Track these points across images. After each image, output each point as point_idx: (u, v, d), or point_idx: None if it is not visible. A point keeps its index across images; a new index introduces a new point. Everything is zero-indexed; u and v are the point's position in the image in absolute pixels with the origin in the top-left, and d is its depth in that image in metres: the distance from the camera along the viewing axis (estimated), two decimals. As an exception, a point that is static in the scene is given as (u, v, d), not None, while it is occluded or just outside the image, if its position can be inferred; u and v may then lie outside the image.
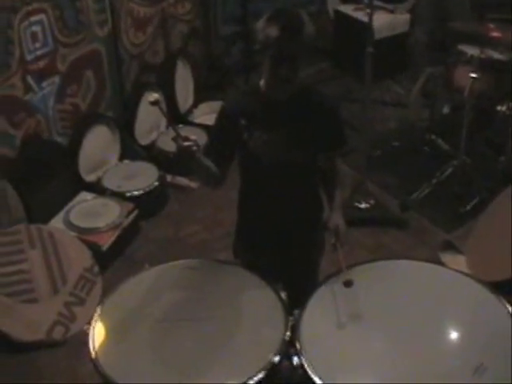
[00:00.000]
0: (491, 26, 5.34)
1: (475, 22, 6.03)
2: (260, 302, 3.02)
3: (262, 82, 3.10)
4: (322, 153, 3.24)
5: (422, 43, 7.45)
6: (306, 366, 2.69)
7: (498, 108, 5.56)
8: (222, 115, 3.21)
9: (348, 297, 2.98)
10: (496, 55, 5.36)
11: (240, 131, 3.09)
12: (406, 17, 7.46)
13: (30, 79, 5.00)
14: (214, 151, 3.16)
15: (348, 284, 2.97)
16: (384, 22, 7.08)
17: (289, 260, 3.35)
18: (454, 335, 2.90)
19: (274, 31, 2.85)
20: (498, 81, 5.44)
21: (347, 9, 7.51)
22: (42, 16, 4.99)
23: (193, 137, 2.85)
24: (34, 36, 4.95)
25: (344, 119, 3.34)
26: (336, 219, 3.22)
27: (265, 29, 2.90)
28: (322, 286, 3.08)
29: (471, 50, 5.36)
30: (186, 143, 2.81)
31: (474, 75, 5.08)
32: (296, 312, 2.92)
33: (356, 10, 7.35)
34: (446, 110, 6.04)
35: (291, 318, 2.89)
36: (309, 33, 2.90)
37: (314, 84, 3.17)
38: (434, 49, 7.16)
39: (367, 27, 5.04)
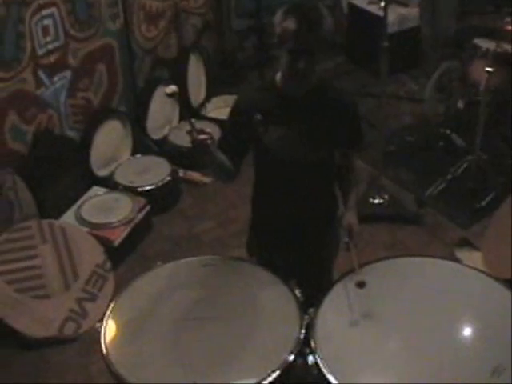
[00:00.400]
0: (507, 19, 5.27)
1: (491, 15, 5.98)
2: (275, 300, 2.99)
3: (278, 77, 3.06)
4: (338, 150, 3.20)
5: (436, 37, 7.39)
6: (320, 364, 2.67)
7: (513, 103, 5.50)
8: (236, 110, 3.18)
9: (363, 295, 2.94)
10: (512, 49, 5.30)
11: (255, 126, 3.05)
12: (421, 10, 7.39)
13: (41, 74, 4.97)
14: (228, 146, 3.13)
15: (361, 285, 2.93)
16: (398, 16, 7.02)
17: (303, 257, 3.32)
18: (470, 335, 2.87)
19: (291, 24, 2.81)
20: (513, 75, 5.39)
21: (361, 2, 7.44)
22: (53, 10, 4.97)
23: (208, 130, 2.82)
24: (45, 30, 4.93)
25: (361, 116, 3.29)
26: (349, 218, 3.18)
27: (282, 22, 2.86)
28: (337, 284, 3.05)
29: (487, 44, 5.30)
30: (201, 136, 2.78)
31: (489, 69, 5.01)
32: (311, 311, 2.89)
33: (370, 3, 7.28)
34: (460, 104, 5.97)
35: (306, 317, 2.85)
36: (327, 26, 2.86)
37: (328, 79, 3.13)
38: (450, 43, 7.11)
39: (382, 21, 4.99)
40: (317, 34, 2.83)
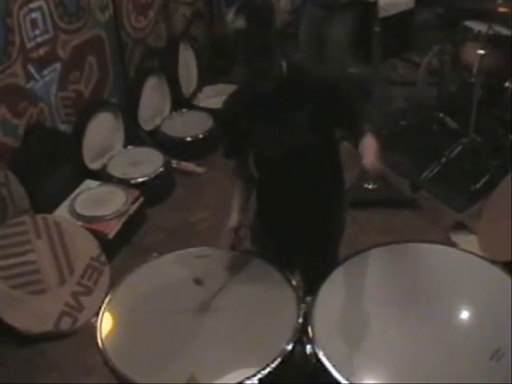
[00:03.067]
0: (498, 1, 5.24)
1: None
2: (271, 289, 2.98)
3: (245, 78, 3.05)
4: (335, 131, 3.16)
5: (428, 20, 7.38)
6: (319, 353, 2.66)
7: (507, 85, 5.47)
8: (223, 122, 3.27)
9: (360, 282, 2.93)
10: (504, 31, 5.27)
11: (243, 131, 3.06)
12: (412, -6, 7.37)
13: (31, 67, 4.93)
14: (232, 150, 3.26)
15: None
16: (389, 0, 6.98)
17: (309, 243, 3.29)
18: (468, 319, 2.86)
19: (242, 23, 2.77)
20: (506, 57, 5.36)
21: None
22: (41, 2, 4.92)
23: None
24: (33, 23, 4.89)
25: (353, 94, 3.20)
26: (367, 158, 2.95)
27: (233, 22, 2.81)
28: (334, 272, 3.03)
29: (479, 27, 5.27)
30: None
31: (482, 52, 4.99)
32: (308, 299, 2.87)
33: (360, -12, 7.27)
34: (453, 87, 5.95)
35: (303, 305, 2.84)
36: (278, 19, 2.82)
37: (306, 65, 3.06)
38: (441, 26, 7.09)
39: (373, 6, 4.97)
40: (268, 28, 2.80)
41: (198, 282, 3.00)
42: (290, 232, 3.26)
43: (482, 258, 3.09)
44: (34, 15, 4.88)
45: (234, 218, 3.18)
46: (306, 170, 3.13)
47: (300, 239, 3.28)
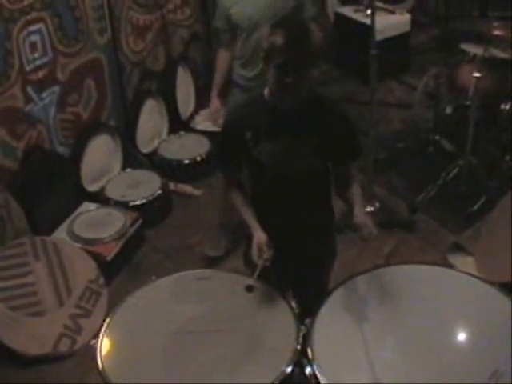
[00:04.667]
0: (494, 24, 5.28)
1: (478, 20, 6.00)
2: (271, 311, 2.98)
3: (266, 91, 3.05)
4: (335, 162, 3.18)
5: (424, 43, 7.43)
6: (318, 375, 2.66)
7: (502, 106, 5.51)
8: (226, 129, 3.20)
9: (359, 304, 2.94)
10: (499, 53, 5.31)
11: (246, 143, 3.04)
12: (407, 17, 7.42)
13: (30, 90, 4.95)
14: (226, 160, 3.22)
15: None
16: (385, 23, 7.04)
17: (301, 267, 3.30)
18: (466, 340, 2.87)
19: (278, 39, 2.80)
20: (501, 79, 5.40)
21: (347, 11, 7.49)
22: (40, 25, 4.95)
23: None
24: (32, 46, 4.91)
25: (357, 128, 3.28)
26: (361, 215, 3.02)
27: (269, 37, 2.85)
28: (333, 294, 3.04)
29: (474, 49, 5.31)
30: None
31: (477, 74, 5.03)
32: (307, 321, 2.88)
33: (356, 11, 7.33)
34: (449, 110, 5.99)
35: (302, 327, 2.85)
36: (315, 40, 2.85)
37: (316, 87, 3.11)
38: (437, 48, 7.14)
39: (368, 29, 5.00)
40: (304, 48, 2.81)
41: (249, 288, 2.93)
42: (280, 252, 3.28)
43: (479, 278, 3.11)
44: (33, 38, 4.90)
45: (260, 235, 3.06)
46: (299, 191, 3.14)
47: (291, 259, 3.27)
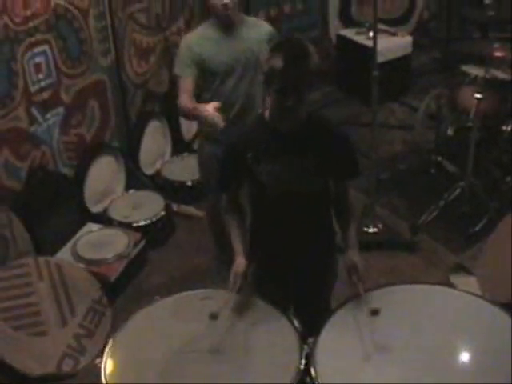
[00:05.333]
0: (495, 45, 5.32)
1: (478, 41, 6.03)
2: (274, 330, 2.98)
3: (266, 114, 3.07)
4: (333, 181, 3.21)
5: (425, 64, 7.46)
6: (321, 394, 2.67)
7: (503, 127, 5.53)
8: (228, 151, 3.20)
9: (362, 323, 2.94)
10: (500, 75, 5.34)
11: (247, 164, 3.07)
12: (409, 39, 7.47)
13: (34, 111, 4.98)
14: (228, 181, 3.24)
15: (375, 313, 2.94)
16: (386, 45, 7.06)
17: (302, 287, 3.32)
18: (468, 359, 2.86)
19: (278, 62, 2.82)
20: (502, 100, 5.43)
21: (349, 33, 7.53)
22: (45, 47, 4.99)
23: None
24: (37, 67, 4.95)
25: (355, 147, 3.31)
26: (352, 256, 3.16)
27: (269, 60, 2.87)
28: (336, 313, 3.05)
29: (475, 71, 5.34)
30: None
31: (478, 95, 5.05)
32: (310, 340, 2.89)
33: (358, 33, 7.36)
34: (451, 131, 6.01)
35: (305, 347, 2.85)
36: (313, 62, 2.87)
37: (318, 109, 3.14)
38: (438, 70, 7.17)
39: (370, 51, 5.03)
40: (303, 70, 2.83)
41: (213, 316, 2.97)
42: (281, 270, 3.29)
43: (481, 298, 3.12)
44: (37, 59, 4.94)
45: (240, 262, 3.14)
46: (300, 211, 3.17)
47: (292, 278, 3.30)
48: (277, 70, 2.83)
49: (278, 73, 2.82)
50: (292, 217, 3.17)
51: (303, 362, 2.79)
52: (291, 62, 2.81)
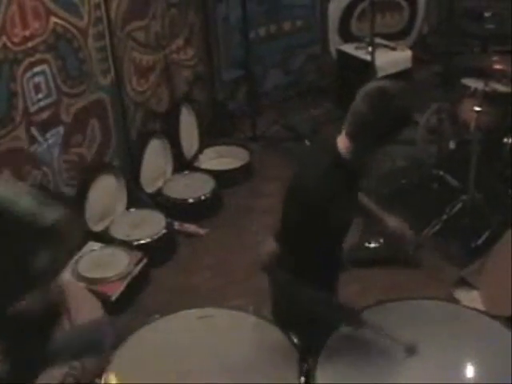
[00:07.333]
0: (494, 58, 5.32)
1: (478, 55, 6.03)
2: (274, 349, 2.98)
3: (343, 152, 2.98)
4: None
5: (425, 79, 7.45)
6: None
7: (505, 140, 5.52)
8: (308, 206, 2.92)
9: (363, 341, 2.93)
10: (500, 88, 5.34)
11: (326, 215, 2.90)
12: (409, 53, 7.47)
13: (34, 131, 4.98)
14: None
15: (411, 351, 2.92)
16: (387, 60, 7.05)
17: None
18: (471, 374, 2.86)
19: (362, 106, 2.92)
20: (503, 113, 5.42)
21: (349, 48, 7.52)
22: (44, 67, 4.99)
23: None
24: (37, 87, 4.95)
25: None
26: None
27: (357, 104, 2.96)
28: (335, 332, 3.04)
29: (475, 84, 5.34)
30: None
31: (478, 109, 5.05)
32: (310, 359, 2.87)
33: (358, 48, 7.36)
34: (452, 145, 6.00)
35: (305, 365, 2.84)
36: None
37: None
38: (439, 84, 7.16)
39: (370, 65, 5.03)
40: (384, 119, 2.90)
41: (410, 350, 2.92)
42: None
43: (484, 313, 3.11)
44: (37, 79, 4.95)
45: (271, 242, 3.06)
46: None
47: None
48: (363, 116, 2.92)
49: (365, 120, 2.91)
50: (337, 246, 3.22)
51: (303, 379, 2.79)
52: (375, 109, 2.90)
